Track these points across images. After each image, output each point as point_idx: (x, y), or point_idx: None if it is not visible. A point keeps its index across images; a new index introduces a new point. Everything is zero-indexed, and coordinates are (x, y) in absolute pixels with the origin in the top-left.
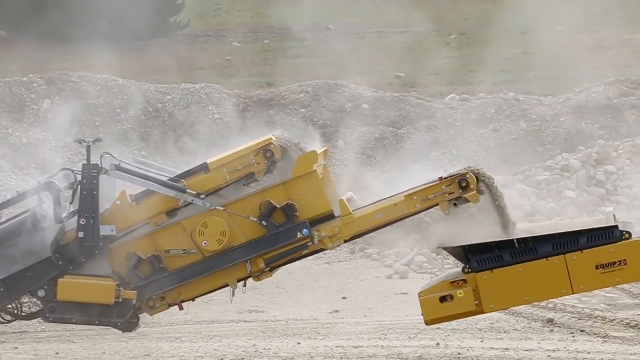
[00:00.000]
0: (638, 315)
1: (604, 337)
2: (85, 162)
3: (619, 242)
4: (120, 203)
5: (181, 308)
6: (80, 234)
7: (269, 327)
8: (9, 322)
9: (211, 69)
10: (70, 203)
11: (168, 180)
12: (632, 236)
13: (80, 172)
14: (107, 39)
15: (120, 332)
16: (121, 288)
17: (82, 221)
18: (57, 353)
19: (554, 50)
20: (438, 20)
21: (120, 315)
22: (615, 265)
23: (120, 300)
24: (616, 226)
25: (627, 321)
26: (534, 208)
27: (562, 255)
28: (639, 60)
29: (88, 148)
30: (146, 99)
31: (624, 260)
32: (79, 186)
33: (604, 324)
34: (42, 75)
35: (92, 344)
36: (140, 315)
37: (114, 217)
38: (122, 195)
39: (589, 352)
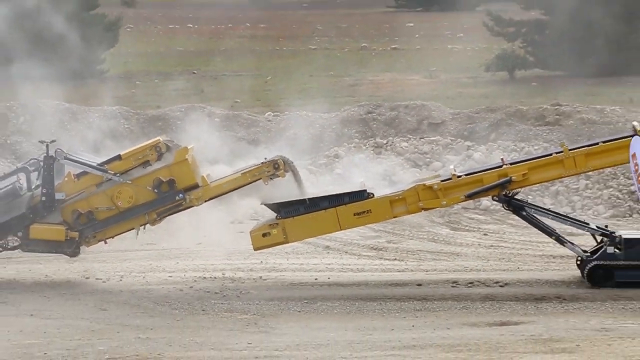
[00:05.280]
0: (377, 242)
1: (358, 255)
2: (46, 155)
3: (367, 200)
4: (67, 179)
5: (105, 242)
6: (43, 198)
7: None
8: (7, 249)
9: None
10: (37, 179)
11: (96, 165)
12: (375, 196)
13: (43, 161)
14: None
15: (69, 257)
16: (69, 231)
17: (44, 191)
18: (30, 270)
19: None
20: (261, 67)
21: (69, 247)
22: (364, 213)
23: (69, 238)
24: (365, 190)
25: (371, 246)
26: (319, 181)
27: (334, 208)
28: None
29: (47, 146)
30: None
31: (370, 210)
32: (42, 169)
33: (358, 248)
34: None
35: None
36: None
37: (64, 188)
38: (68, 174)
39: (349, 265)
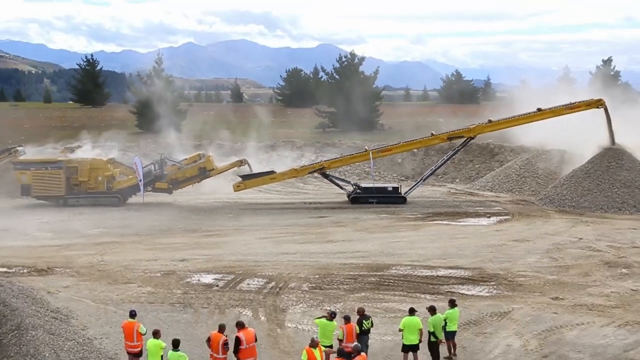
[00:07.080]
0: (278, 189)
1: (271, 193)
2: (160, 159)
3: (273, 173)
4: (168, 167)
5: (182, 189)
6: (159, 173)
7: None
8: (148, 191)
9: None
10: (157, 167)
11: (178, 162)
12: (276, 172)
13: (159, 161)
14: None
15: (168, 194)
16: (168, 184)
17: (159, 171)
18: (153, 198)
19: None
20: (236, 129)
21: (168, 191)
22: (273, 178)
23: (167, 187)
24: (273, 170)
25: (275, 190)
26: (256, 167)
27: (262, 177)
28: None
29: (160, 156)
30: None
31: (275, 177)
32: (159, 163)
33: (272, 191)
34: None
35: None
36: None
37: (167, 170)
38: (168, 165)
39: (269, 197)
